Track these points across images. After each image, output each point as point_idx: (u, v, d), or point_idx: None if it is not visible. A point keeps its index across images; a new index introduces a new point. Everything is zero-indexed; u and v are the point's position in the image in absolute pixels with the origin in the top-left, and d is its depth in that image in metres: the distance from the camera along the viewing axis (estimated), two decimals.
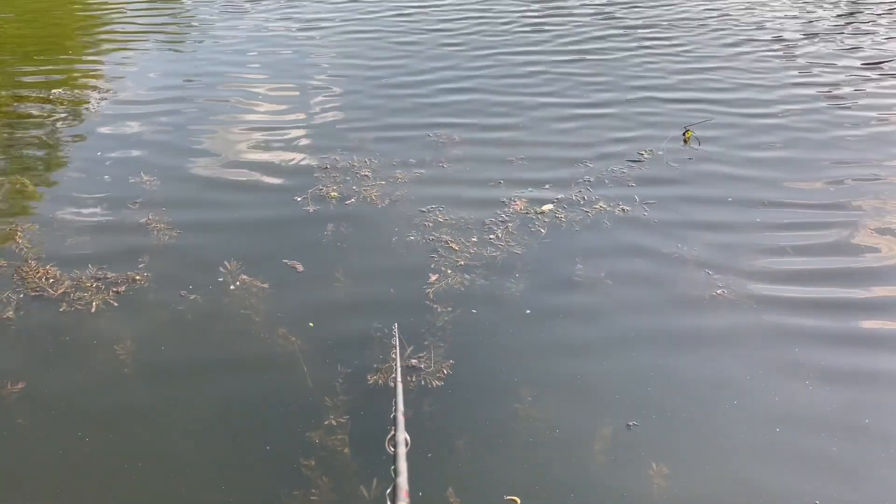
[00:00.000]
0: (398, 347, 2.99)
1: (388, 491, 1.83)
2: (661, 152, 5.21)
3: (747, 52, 7.14)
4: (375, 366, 3.31)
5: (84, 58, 7.33)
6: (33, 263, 3.97)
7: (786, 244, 4.17)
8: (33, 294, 3.74)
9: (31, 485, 2.81)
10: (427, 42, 7.43)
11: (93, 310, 3.65)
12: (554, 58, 7.00)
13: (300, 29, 7.92)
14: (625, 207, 4.54)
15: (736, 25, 7.90)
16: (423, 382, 3.22)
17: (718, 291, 3.79)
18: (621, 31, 7.77)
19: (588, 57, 7.01)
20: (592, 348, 3.48)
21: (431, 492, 2.72)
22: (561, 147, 5.32)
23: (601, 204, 4.57)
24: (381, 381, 3.23)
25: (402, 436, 2.06)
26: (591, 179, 4.85)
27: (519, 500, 2.73)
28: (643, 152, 5.20)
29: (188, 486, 2.82)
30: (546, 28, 7.87)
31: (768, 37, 7.56)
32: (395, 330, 3.20)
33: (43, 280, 3.82)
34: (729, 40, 7.47)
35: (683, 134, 5.41)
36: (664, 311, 3.70)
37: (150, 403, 3.17)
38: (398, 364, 2.73)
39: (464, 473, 2.84)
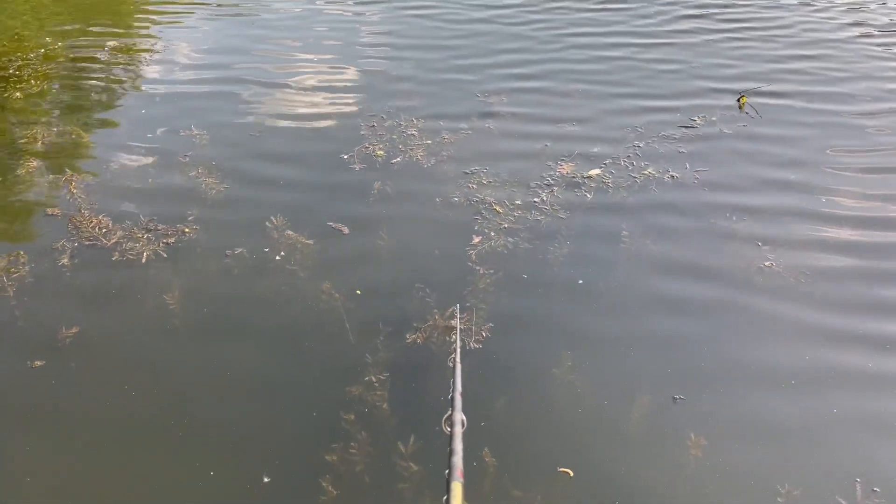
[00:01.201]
0: (458, 327, 2.97)
1: (447, 472, 1.81)
2: (714, 118, 5.06)
3: (849, 40, 6.53)
4: (415, 324, 3.34)
5: (137, 20, 7.37)
6: (87, 213, 4.08)
7: (847, 237, 3.96)
8: (87, 243, 3.85)
9: (77, 434, 2.91)
10: (493, 21, 7.03)
11: (143, 260, 3.74)
12: (632, 36, 6.59)
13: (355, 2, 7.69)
14: (674, 175, 4.44)
15: (840, 9, 7.24)
16: (461, 344, 3.23)
17: (767, 265, 3.71)
18: (714, 8, 7.24)
19: (672, 39, 6.53)
20: (637, 318, 3.44)
21: (468, 454, 2.74)
22: (613, 115, 5.17)
23: (650, 170, 4.47)
24: (419, 341, 3.26)
25: (459, 416, 2.05)
26: (641, 145, 4.74)
27: (572, 473, 2.73)
28: (696, 118, 5.06)
29: (229, 436, 2.90)
30: (627, 7, 7.33)
31: (875, 24, 6.91)
32: (457, 310, 3.23)
33: (96, 230, 3.93)
34: (832, 24, 6.87)
35: (738, 100, 5.25)
36: (715, 284, 3.62)
37: (196, 355, 3.25)
38: (457, 344, 2.66)
39: (500, 437, 2.86)
